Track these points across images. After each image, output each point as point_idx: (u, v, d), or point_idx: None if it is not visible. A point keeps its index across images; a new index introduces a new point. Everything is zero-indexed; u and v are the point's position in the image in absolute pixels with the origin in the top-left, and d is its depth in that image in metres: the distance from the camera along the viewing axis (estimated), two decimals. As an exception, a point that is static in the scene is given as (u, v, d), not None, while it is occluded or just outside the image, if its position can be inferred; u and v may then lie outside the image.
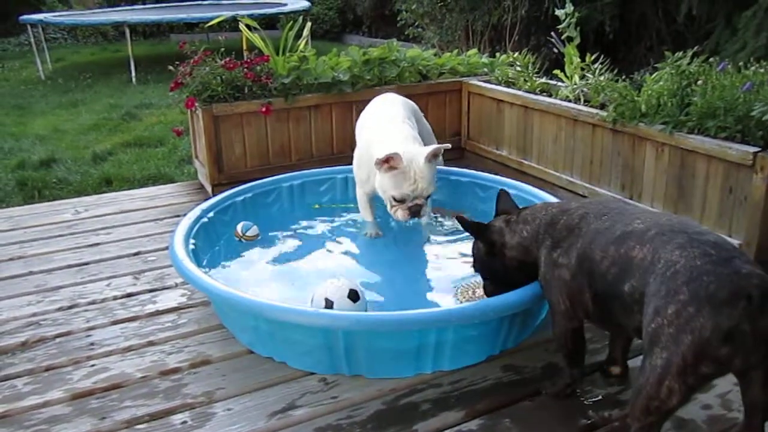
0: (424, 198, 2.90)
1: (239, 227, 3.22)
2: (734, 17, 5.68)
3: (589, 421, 2.08)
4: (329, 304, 2.40)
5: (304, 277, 2.95)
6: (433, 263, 3.10)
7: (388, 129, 3.10)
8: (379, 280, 2.94)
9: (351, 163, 3.49)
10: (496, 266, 2.32)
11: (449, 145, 3.02)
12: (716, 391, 2.19)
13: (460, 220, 2.31)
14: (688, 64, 3.24)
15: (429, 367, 2.32)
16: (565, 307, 2.05)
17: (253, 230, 3.25)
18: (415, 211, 2.89)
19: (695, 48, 3.46)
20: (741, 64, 3.22)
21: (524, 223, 2.21)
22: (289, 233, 3.37)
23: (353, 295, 2.43)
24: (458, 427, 2.07)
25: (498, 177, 3.65)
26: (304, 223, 3.48)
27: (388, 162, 2.81)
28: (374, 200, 3.31)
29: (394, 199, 2.87)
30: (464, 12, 7.86)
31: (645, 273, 1.74)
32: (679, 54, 3.29)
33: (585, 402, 2.17)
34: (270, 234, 3.34)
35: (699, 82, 3.15)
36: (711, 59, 3.33)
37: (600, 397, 2.18)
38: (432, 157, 2.87)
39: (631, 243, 1.82)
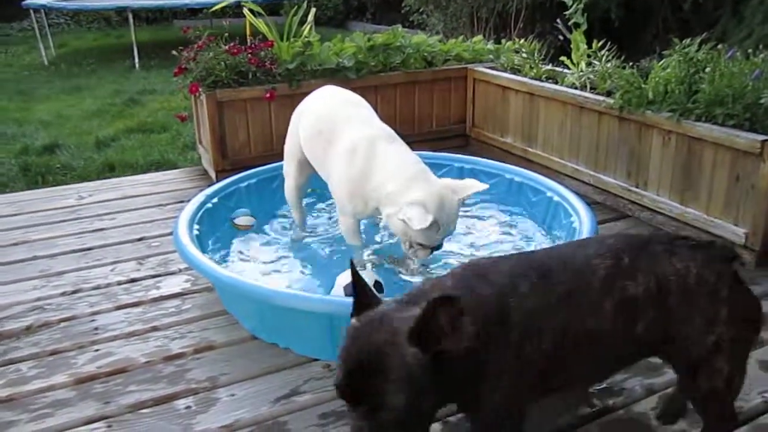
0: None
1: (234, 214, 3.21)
2: (741, 5, 5.64)
3: (594, 409, 2.08)
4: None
5: (307, 262, 2.95)
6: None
7: (401, 162, 2.64)
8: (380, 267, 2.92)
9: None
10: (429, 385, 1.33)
11: (487, 186, 2.65)
12: (721, 380, 2.19)
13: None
14: (696, 51, 3.21)
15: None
16: (519, 412, 1.62)
17: (244, 219, 3.19)
18: (436, 248, 2.64)
19: (703, 35, 3.43)
20: (749, 51, 3.19)
21: (463, 313, 1.32)
22: (293, 219, 3.36)
23: (347, 290, 2.38)
24: (461, 413, 2.06)
25: (503, 164, 3.63)
26: (309, 209, 3.46)
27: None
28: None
29: (420, 245, 2.58)
30: (469, -2, 7.81)
31: (658, 297, 1.59)
32: (687, 41, 3.27)
33: (590, 390, 2.16)
34: (274, 220, 3.33)
35: (707, 70, 3.13)
36: (719, 46, 3.30)
37: (604, 385, 2.18)
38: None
39: (622, 282, 1.57)
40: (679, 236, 1.72)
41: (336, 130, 2.77)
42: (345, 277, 2.43)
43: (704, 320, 1.61)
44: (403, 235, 2.57)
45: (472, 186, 2.59)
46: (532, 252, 1.77)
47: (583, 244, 1.77)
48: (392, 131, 2.84)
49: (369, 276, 2.45)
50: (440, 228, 2.52)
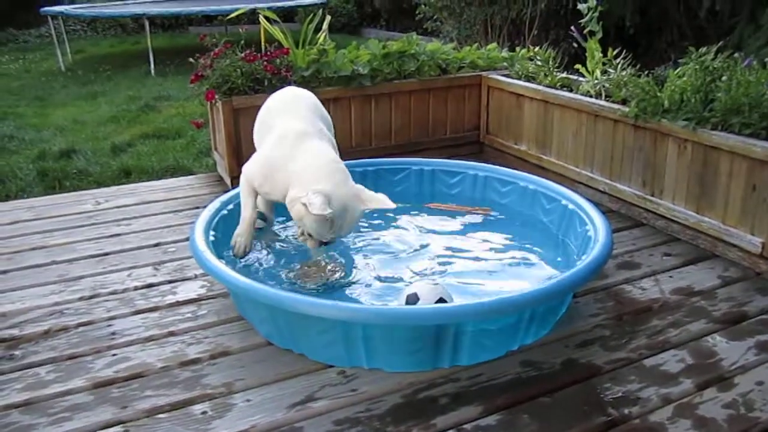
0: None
1: None
2: (758, 12, 5.61)
3: (609, 418, 2.07)
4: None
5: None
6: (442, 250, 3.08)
7: (325, 159, 2.70)
8: (396, 270, 2.93)
9: (369, 156, 3.46)
10: None
11: (393, 205, 2.66)
12: (738, 390, 2.18)
13: None
14: (712, 59, 3.20)
15: (447, 362, 2.32)
16: None
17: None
18: (325, 244, 2.69)
19: (719, 43, 3.42)
20: (767, 60, 3.18)
21: None
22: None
23: (411, 299, 2.41)
24: (477, 421, 2.06)
25: (517, 172, 3.62)
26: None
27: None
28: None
29: (310, 235, 2.63)
30: (483, 6, 7.82)
31: None
32: (703, 49, 3.26)
33: (605, 399, 2.16)
34: (289, 226, 3.35)
35: (723, 78, 3.12)
36: (735, 55, 3.29)
37: (620, 394, 2.17)
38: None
39: None
40: None
41: (275, 120, 2.94)
42: (410, 288, 2.47)
43: None
44: (299, 220, 2.63)
45: (380, 201, 2.64)
46: None
47: None
48: (326, 133, 2.92)
49: (434, 291, 2.43)
50: (333, 226, 2.58)
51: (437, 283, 2.51)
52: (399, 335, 2.29)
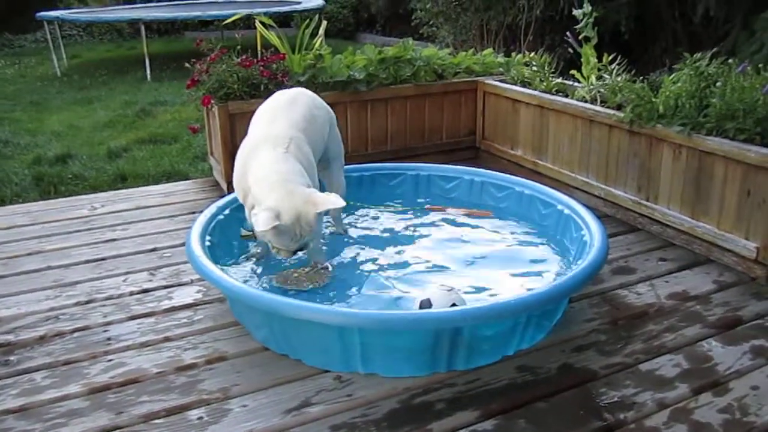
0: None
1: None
2: (751, 18, 5.64)
3: (605, 423, 2.07)
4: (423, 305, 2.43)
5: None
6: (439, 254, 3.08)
7: (270, 169, 2.65)
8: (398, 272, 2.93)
9: (365, 161, 3.46)
10: None
11: (343, 203, 2.62)
12: (733, 395, 2.18)
13: None
14: (707, 65, 3.22)
15: (443, 367, 2.32)
16: None
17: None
18: (297, 250, 2.67)
19: (713, 49, 3.44)
20: (761, 65, 3.19)
21: None
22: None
23: (424, 305, 2.42)
24: (473, 426, 2.07)
25: (513, 177, 3.63)
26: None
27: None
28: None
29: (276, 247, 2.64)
30: (479, 11, 7.85)
31: None
32: (698, 55, 3.28)
33: (600, 404, 2.16)
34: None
35: (718, 84, 3.13)
36: (729, 60, 3.30)
37: (615, 399, 2.18)
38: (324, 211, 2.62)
39: None
40: None
41: (252, 124, 2.97)
42: (424, 294, 2.48)
43: None
44: (261, 235, 2.65)
45: (332, 202, 2.59)
46: None
47: None
48: (289, 137, 2.79)
49: (447, 297, 2.43)
50: (293, 235, 2.57)
51: (451, 289, 2.51)
52: (395, 340, 2.29)
